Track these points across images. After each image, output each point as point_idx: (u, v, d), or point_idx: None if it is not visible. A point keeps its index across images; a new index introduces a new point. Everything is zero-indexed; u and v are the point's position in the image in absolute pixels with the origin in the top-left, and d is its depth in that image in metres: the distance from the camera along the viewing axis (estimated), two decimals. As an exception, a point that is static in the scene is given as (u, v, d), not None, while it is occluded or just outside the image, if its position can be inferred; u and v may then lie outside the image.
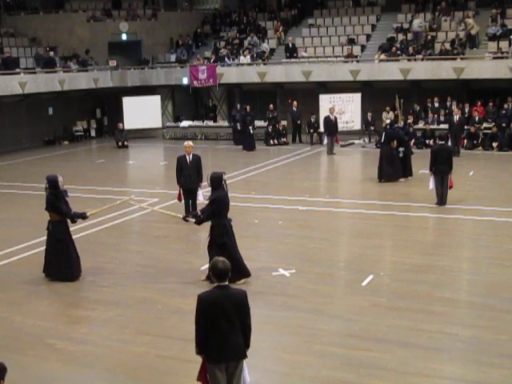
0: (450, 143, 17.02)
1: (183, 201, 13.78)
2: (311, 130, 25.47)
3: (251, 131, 24.71)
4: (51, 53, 27.96)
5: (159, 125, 29.02)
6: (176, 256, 11.56)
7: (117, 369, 7.36)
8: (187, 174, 13.64)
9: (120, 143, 26.19)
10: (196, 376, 6.02)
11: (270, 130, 25.69)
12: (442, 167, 14.27)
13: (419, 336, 7.93)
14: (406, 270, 10.38)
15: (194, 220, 10.12)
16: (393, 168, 17.45)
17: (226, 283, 5.68)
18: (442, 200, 14.34)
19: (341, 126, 25.78)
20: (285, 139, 25.61)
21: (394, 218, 13.95)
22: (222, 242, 9.72)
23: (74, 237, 12.79)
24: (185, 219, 10.42)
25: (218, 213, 9.79)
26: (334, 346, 7.73)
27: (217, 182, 9.93)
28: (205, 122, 28.81)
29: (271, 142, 25.52)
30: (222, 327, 5.63)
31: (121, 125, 26.87)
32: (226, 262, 5.71)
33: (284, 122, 26.48)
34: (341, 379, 6.94)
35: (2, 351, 7.82)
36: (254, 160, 21.72)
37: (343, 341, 7.86)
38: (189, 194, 13.72)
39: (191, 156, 13.75)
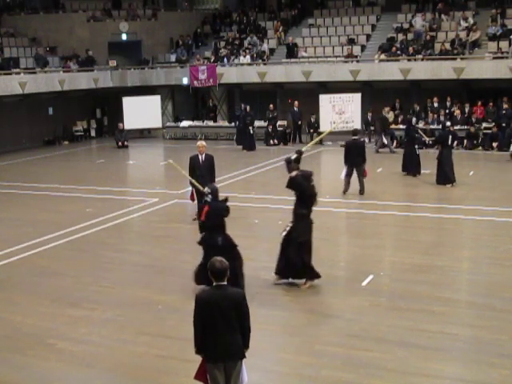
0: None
1: (195, 201, 13.66)
2: (311, 130, 25.47)
3: (251, 131, 24.73)
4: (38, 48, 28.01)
5: (159, 125, 29.02)
6: (176, 256, 11.56)
7: (117, 369, 7.36)
8: (200, 174, 13.47)
9: (120, 143, 26.19)
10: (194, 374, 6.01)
11: (270, 129, 25.70)
12: (354, 159, 15.70)
13: (419, 336, 7.93)
14: (406, 270, 10.38)
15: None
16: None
17: (224, 283, 5.67)
18: (361, 189, 15.85)
19: (341, 126, 25.81)
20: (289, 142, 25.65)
21: (394, 217, 13.96)
22: (305, 240, 9.54)
23: (73, 237, 12.89)
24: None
25: (305, 200, 9.56)
26: (334, 345, 7.73)
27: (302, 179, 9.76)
28: (205, 122, 28.81)
29: (271, 141, 25.53)
30: (219, 327, 5.64)
31: (121, 125, 26.88)
32: (224, 261, 5.68)
33: (284, 122, 26.48)
34: (341, 379, 6.94)
35: (2, 351, 7.83)
36: (254, 160, 21.72)
37: (343, 341, 7.86)
38: (202, 194, 13.64)
39: (204, 156, 13.67)
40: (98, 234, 13.17)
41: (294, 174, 9.66)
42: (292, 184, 9.63)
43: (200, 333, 5.71)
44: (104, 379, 7.23)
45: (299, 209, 9.60)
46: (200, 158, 13.65)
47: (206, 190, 9.45)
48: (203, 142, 14.00)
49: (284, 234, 9.68)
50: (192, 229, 13.58)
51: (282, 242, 9.70)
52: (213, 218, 9.19)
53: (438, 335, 7.97)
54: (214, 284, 5.68)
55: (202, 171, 13.58)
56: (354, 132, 16.38)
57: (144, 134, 28.97)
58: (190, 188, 13.62)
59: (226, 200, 9.37)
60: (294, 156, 9.91)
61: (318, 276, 9.65)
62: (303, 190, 9.61)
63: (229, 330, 5.65)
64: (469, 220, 13.46)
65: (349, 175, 15.89)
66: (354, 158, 15.71)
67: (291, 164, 9.79)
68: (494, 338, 7.80)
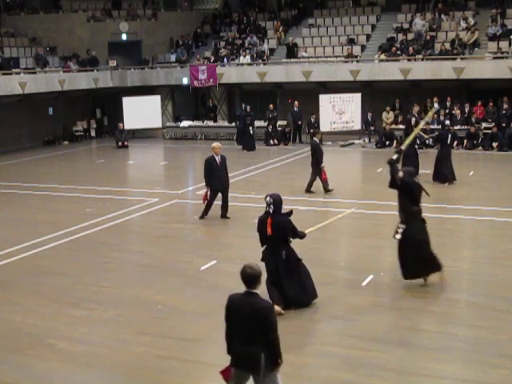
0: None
1: (206, 202, 13.72)
2: (311, 130, 25.44)
3: (251, 131, 24.72)
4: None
5: (159, 125, 29.01)
6: (176, 256, 11.55)
7: (117, 369, 7.36)
8: (219, 176, 13.57)
9: (120, 143, 26.19)
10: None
11: (270, 129, 25.70)
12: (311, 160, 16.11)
13: (419, 336, 7.93)
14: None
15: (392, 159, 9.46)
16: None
17: (254, 291, 5.45)
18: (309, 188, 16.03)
19: (341, 126, 25.84)
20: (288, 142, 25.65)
21: (394, 218, 13.92)
22: (421, 239, 9.38)
23: (73, 237, 12.89)
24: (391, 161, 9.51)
25: (417, 198, 9.30)
26: (334, 345, 7.72)
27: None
28: (205, 121, 28.81)
29: (271, 141, 25.54)
30: (239, 334, 5.50)
31: (121, 125, 26.87)
32: (255, 268, 5.48)
33: (283, 122, 26.46)
34: (341, 379, 6.94)
35: (2, 351, 7.83)
36: (254, 160, 21.71)
37: (343, 341, 7.86)
38: (221, 193, 13.71)
39: (220, 157, 13.68)
40: (98, 233, 13.16)
41: (401, 174, 9.44)
42: (403, 184, 9.38)
43: (227, 334, 5.63)
44: (104, 379, 7.23)
45: (411, 207, 9.37)
46: (217, 159, 13.63)
47: (268, 199, 8.62)
48: (219, 144, 14.01)
49: (398, 237, 9.37)
50: (192, 229, 13.60)
51: (399, 244, 9.45)
52: (276, 232, 8.54)
53: (438, 335, 7.97)
54: (245, 290, 5.51)
55: (221, 172, 13.61)
56: (313, 133, 16.85)
57: (136, 135, 28.82)
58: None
59: (290, 213, 8.73)
60: (395, 156, 9.65)
61: (441, 267, 9.48)
62: (413, 188, 9.41)
63: (248, 340, 5.45)
64: (469, 220, 13.46)
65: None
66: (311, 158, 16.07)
67: (395, 165, 9.52)
68: (494, 338, 7.80)
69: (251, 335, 5.43)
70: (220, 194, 13.81)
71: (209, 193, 13.67)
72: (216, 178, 13.56)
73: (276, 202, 8.55)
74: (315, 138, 16.30)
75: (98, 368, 7.41)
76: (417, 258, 9.33)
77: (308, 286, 8.86)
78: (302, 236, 8.80)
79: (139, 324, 8.56)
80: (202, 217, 13.84)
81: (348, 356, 7.44)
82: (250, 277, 5.45)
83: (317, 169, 15.89)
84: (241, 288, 8.65)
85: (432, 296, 9.20)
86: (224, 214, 13.84)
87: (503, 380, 6.88)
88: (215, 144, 13.89)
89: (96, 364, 7.49)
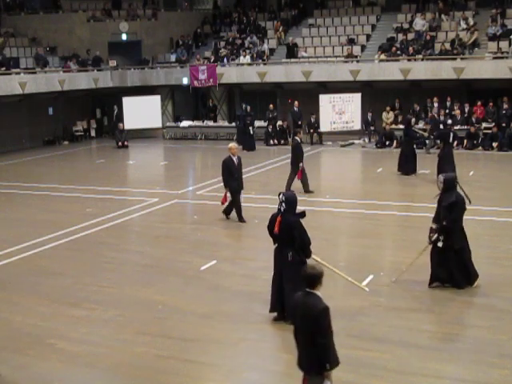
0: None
1: (226, 204, 13.65)
2: (311, 130, 25.46)
3: (251, 131, 24.72)
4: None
5: (159, 125, 29.01)
6: (176, 256, 11.55)
7: (117, 369, 7.36)
8: (238, 177, 13.50)
9: (120, 143, 26.19)
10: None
11: (270, 129, 25.69)
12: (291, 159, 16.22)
13: (419, 336, 7.93)
14: (406, 269, 10.36)
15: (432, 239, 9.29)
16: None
17: (313, 291, 5.41)
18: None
19: (341, 126, 25.84)
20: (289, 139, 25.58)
21: (394, 217, 13.96)
22: (461, 247, 9.40)
23: (73, 237, 12.89)
24: (430, 239, 9.41)
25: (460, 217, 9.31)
26: (333, 346, 7.72)
27: (451, 183, 9.56)
28: (205, 122, 28.81)
29: (271, 141, 25.53)
30: (296, 332, 5.54)
31: (121, 125, 26.86)
32: (317, 268, 5.46)
33: (284, 123, 26.42)
34: (341, 379, 6.92)
35: (2, 351, 7.83)
36: (254, 160, 21.70)
37: (343, 341, 7.84)
38: (238, 195, 13.62)
39: (237, 157, 13.61)
40: (98, 233, 13.17)
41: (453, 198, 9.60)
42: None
43: (293, 333, 5.62)
44: (104, 379, 7.23)
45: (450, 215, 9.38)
46: (234, 160, 13.54)
47: (281, 197, 8.28)
48: (236, 144, 13.99)
49: (440, 244, 9.31)
50: (192, 229, 13.60)
51: (433, 252, 9.41)
52: (283, 232, 8.22)
53: (438, 335, 7.97)
54: (305, 290, 5.46)
55: (238, 173, 13.54)
56: (295, 132, 17.03)
57: (145, 134, 28.90)
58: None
59: (302, 214, 8.34)
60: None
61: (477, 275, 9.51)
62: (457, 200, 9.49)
63: (301, 339, 5.46)
64: (469, 220, 13.41)
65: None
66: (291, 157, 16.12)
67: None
68: (494, 338, 7.80)
69: (305, 336, 5.42)
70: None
71: (228, 194, 13.51)
72: (234, 178, 13.44)
73: (288, 200, 8.24)
74: (296, 138, 16.33)
75: (98, 368, 7.41)
76: (455, 266, 9.41)
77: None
78: (308, 243, 8.30)
79: (139, 324, 8.56)
80: (240, 221, 13.60)
81: (348, 356, 7.42)
82: (310, 277, 5.41)
83: (295, 167, 15.89)
84: (241, 288, 8.67)
85: (432, 296, 9.20)
86: (229, 211, 13.74)
87: (503, 380, 6.88)
88: (232, 144, 13.77)
89: (96, 364, 7.49)
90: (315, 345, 5.30)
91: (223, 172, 13.57)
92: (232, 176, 13.41)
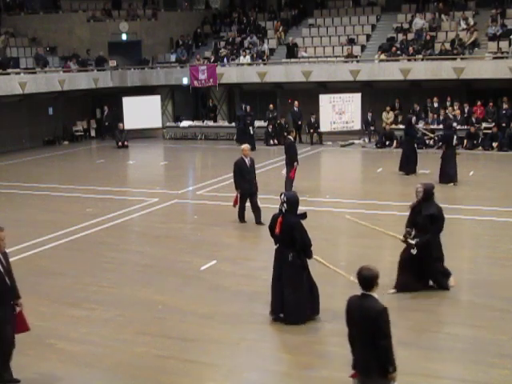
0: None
1: (237, 205, 13.48)
2: (311, 130, 25.46)
3: (251, 131, 24.71)
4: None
5: (159, 125, 29.01)
6: (176, 256, 11.55)
7: (117, 369, 7.36)
8: (249, 179, 13.31)
9: (120, 143, 26.19)
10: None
11: (270, 129, 25.69)
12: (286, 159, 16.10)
13: (419, 336, 7.93)
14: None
15: (414, 242, 9.24)
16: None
17: (370, 293, 5.37)
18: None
19: (341, 126, 25.83)
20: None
21: (394, 218, 13.95)
22: (440, 256, 9.39)
23: (73, 237, 12.89)
24: (405, 242, 9.42)
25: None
26: (333, 346, 7.72)
27: (431, 192, 9.46)
28: (205, 121, 28.81)
29: (271, 141, 25.53)
30: (353, 336, 5.52)
31: (121, 125, 26.86)
32: (372, 269, 5.39)
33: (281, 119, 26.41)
34: (341, 379, 6.93)
35: (2, 351, 7.81)
36: (254, 160, 21.66)
37: (343, 341, 7.82)
38: (249, 197, 13.41)
39: (249, 159, 13.48)
40: (98, 233, 13.17)
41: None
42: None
43: (348, 337, 5.65)
44: (104, 379, 7.23)
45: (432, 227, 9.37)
46: (246, 161, 13.42)
47: (282, 197, 8.25)
48: (248, 145, 13.89)
49: (414, 251, 9.26)
50: (192, 229, 13.59)
51: (407, 258, 9.39)
52: (284, 232, 8.19)
53: (438, 335, 7.97)
54: (361, 292, 5.42)
55: (251, 175, 13.37)
56: (288, 132, 17.05)
57: (145, 134, 28.88)
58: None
59: (303, 215, 8.30)
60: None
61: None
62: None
63: (360, 343, 5.44)
64: (469, 220, 13.45)
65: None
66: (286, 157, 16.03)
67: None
68: (494, 338, 7.80)
69: (364, 339, 5.38)
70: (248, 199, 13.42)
71: (239, 196, 13.39)
72: (246, 180, 13.30)
73: (290, 201, 8.20)
74: (290, 137, 16.32)
75: (98, 368, 7.41)
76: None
77: (304, 303, 8.41)
78: (309, 245, 8.30)
79: (139, 324, 8.56)
80: (241, 221, 13.51)
81: (348, 356, 7.41)
82: (366, 279, 5.37)
83: (290, 167, 15.81)
84: (241, 288, 8.65)
85: (432, 296, 9.19)
86: (258, 219, 13.22)
87: (503, 380, 6.88)
88: (245, 146, 13.69)
89: (96, 364, 7.49)
90: (375, 347, 5.27)
91: (235, 174, 13.48)
92: (243, 178, 13.30)
